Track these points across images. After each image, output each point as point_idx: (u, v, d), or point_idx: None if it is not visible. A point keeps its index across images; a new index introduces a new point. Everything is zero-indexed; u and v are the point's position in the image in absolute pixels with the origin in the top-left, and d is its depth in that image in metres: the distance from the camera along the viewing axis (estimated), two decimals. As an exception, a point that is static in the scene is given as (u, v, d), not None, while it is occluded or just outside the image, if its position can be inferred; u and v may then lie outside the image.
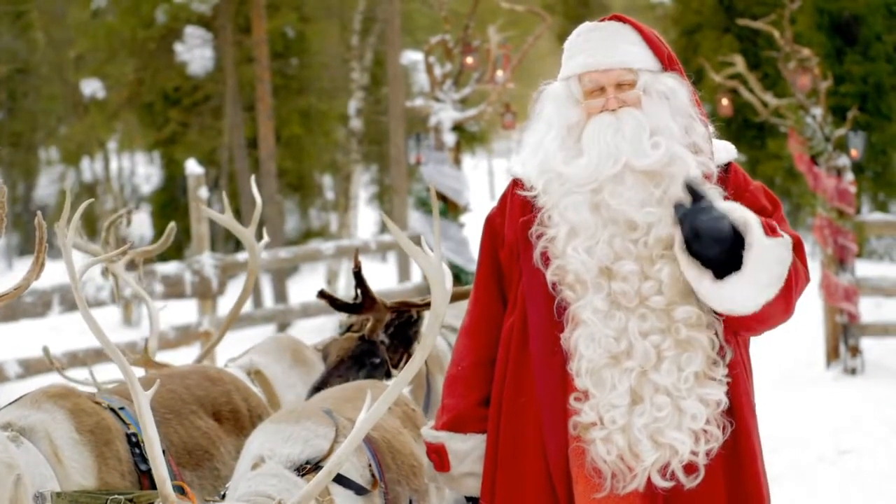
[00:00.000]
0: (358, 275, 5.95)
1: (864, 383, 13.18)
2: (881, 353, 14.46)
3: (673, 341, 4.02)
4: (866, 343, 14.13)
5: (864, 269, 16.88)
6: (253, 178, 6.60)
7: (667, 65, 4.21)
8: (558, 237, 4.12)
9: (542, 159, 4.20)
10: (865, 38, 22.44)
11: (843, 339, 13.84)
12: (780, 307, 3.99)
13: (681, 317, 4.02)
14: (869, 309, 16.07)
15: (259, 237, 6.60)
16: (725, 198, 4.11)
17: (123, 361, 4.08)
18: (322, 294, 6.05)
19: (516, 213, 4.27)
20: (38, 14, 28.76)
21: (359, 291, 6.02)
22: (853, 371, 13.70)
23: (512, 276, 4.29)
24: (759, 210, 4.12)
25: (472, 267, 13.53)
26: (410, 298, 6.45)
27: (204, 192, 12.39)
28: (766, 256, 3.93)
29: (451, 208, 13.86)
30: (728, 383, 4.06)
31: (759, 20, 16.44)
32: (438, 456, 4.41)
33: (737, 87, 15.60)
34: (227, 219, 6.42)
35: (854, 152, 14.01)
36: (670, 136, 4.08)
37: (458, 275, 13.44)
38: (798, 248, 4.11)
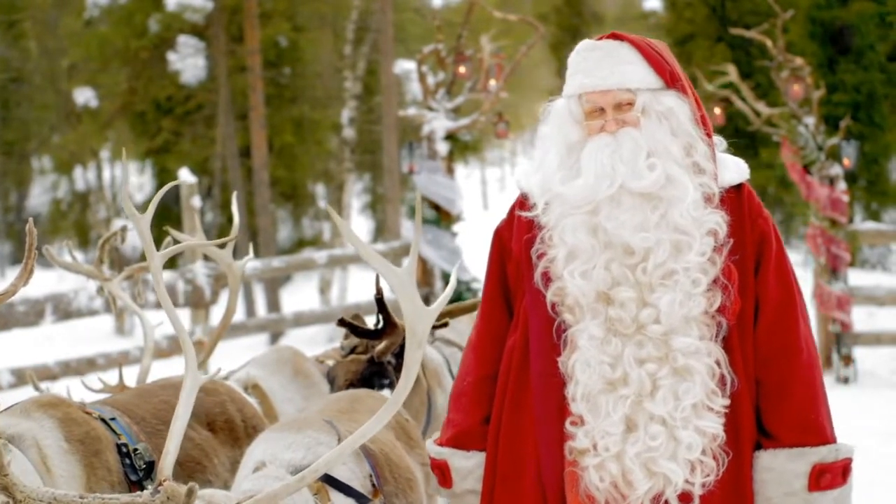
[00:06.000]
0: (380, 301, 5.90)
1: (857, 392, 13.19)
2: (874, 362, 14.48)
3: (670, 370, 3.97)
4: (859, 352, 14.15)
5: (857, 278, 16.90)
6: (234, 194, 6.53)
7: (669, 82, 4.13)
8: (557, 259, 4.08)
9: (543, 178, 4.15)
10: (858, 47, 22.48)
11: (836, 348, 13.85)
12: None
13: (679, 346, 3.97)
14: (861, 318, 16.10)
15: (246, 251, 6.55)
16: (734, 219, 4.07)
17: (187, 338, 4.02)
18: (342, 322, 5.99)
19: (522, 228, 4.22)
20: (31, 23, 28.77)
21: (380, 317, 5.96)
22: (846, 380, 13.71)
23: (518, 290, 4.25)
24: (766, 241, 4.10)
25: (465, 276, 13.54)
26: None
27: (197, 202, 12.39)
28: None
29: (443, 217, 13.86)
30: (728, 414, 4.00)
31: (752, 29, 16.46)
32: (441, 472, 4.39)
33: (729, 96, 15.60)
34: (198, 241, 6.36)
35: (846, 161, 14.03)
36: (668, 158, 4.02)
37: (452, 284, 13.42)
38: (802, 302, 4.14)
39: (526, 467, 4.15)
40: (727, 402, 4.00)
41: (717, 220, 4.02)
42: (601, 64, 4.11)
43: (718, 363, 4.00)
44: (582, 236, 4.03)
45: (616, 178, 4.00)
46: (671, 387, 3.96)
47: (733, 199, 4.12)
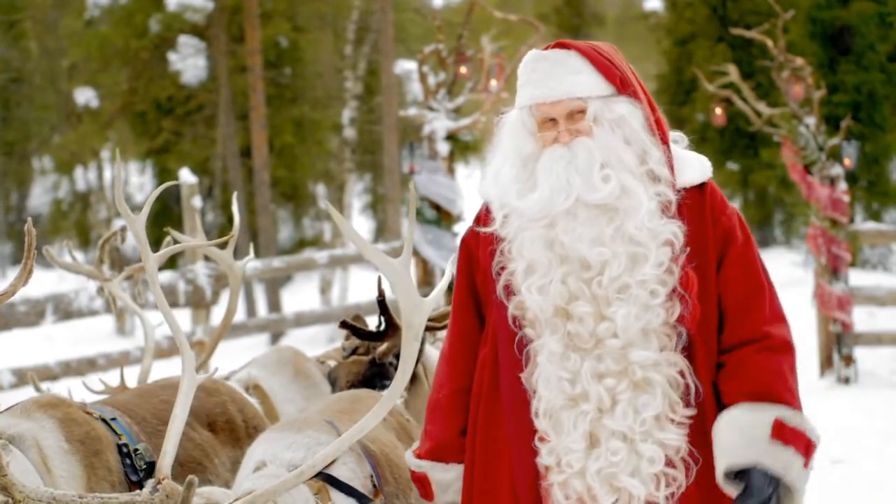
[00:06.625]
0: (382, 303, 5.89)
1: (858, 393, 13.18)
2: (874, 362, 14.48)
3: (629, 383, 3.94)
4: (860, 352, 14.14)
5: (858, 278, 16.90)
6: (235, 194, 6.52)
7: (619, 88, 4.07)
8: (517, 272, 4.06)
9: (499, 191, 4.12)
10: (858, 47, 22.49)
11: (837, 348, 13.84)
12: None
13: (636, 359, 3.93)
14: (862, 318, 16.09)
15: (247, 251, 6.56)
16: (695, 222, 4.00)
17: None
18: (344, 324, 5.98)
19: (487, 238, 4.18)
20: (31, 24, 28.80)
21: (382, 319, 5.95)
22: (846, 380, 13.70)
23: (487, 301, 4.23)
24: (729, 238, 4.04)
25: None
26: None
27: (197, 202, 12.38)
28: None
29: (444, 217, 13.84)
30: (695, 423, 3.95)
31: (753, 30, 16.46)
32: (422, 485, 4.38)
33: (730, 96, 15.59)
34: (197, 242, 6.34)
35: (847, 161, 14.02)
36: (622, 168, 3.97)
37: (452, 284, 13.42)
38: (771, 293, 4.05)
39: (502, 482, 4.13)
40: (692, 412, 3.96)
41: (674, 230, 3.97)
42: (550, 74, 4.07)
43: (682, 373, 3.96)
44: (539, 250, 4.00)
45: (572, 192, 3.95)
46: (630, 401, 3.93)
47: (695, 200, 4.06)
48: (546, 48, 4.16)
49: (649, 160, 4.01)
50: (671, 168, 4.05)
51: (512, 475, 4.10)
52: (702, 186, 4.10)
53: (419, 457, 4.38)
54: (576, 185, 3.95)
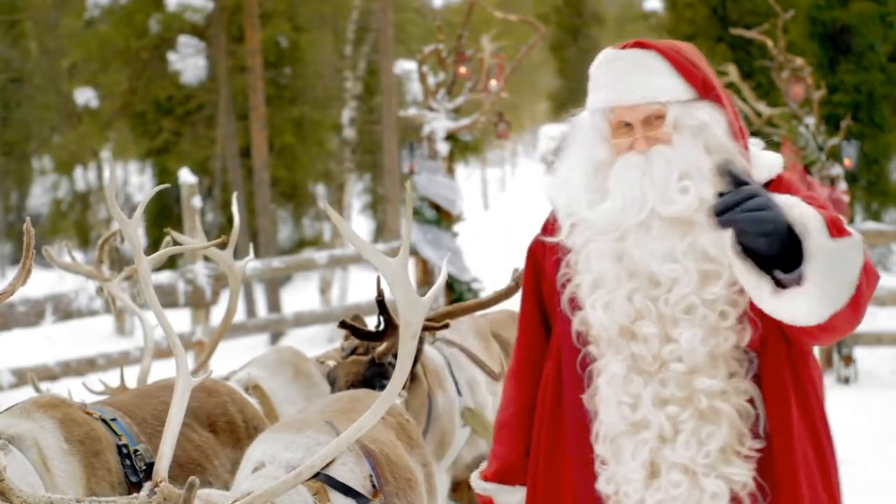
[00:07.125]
0: (381, 303, 5.89)
1: (858, 393, 13.19)
2: (874, 362, 14.48)
3: (693, 411, 3.69)
4: (859, 352, 14.14)
5: (858, 278, 16.89)
6: (235, 195, 6.51)
7: (701, 92, 3.81)
8: (582, 286, 3.81)
9: (568, 199, 3.85)
10: (858, 47, 22.48)
11: (837, 348, 13.85)
12: (850, 314, 3.52)
13: (702, 387, 3.67)
14: (862, 318, 16.07)
15: (246, 251, 6.56)
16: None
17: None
18: (343, 324, 5.98)
19: (554, 247, 3.94)
20: (31, 24, 28.76)
21: (381, 319, 5.95)
22: (846, 380, 13.71)
23: (553, 312, 3.99)
24: None
25: (466, 276, 13.53)
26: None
27: (197, 202, 12.38)
28: (833, 263, 3.45)
29: (444, 217, 13.84)
30: (764, 456, 3.69)
31: (753, 30, 16.47)
32: None
33: (730, 96, 15.59)
34: (198, 245, 6.35)
35: (847, 161, 14.04)
36: (701, 179, 3.68)
37: (452, 284, 13.43)
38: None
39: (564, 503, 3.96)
40: (762, 444, 3.71)
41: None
42: (626, 77, 3.79)
43: (752, 402, 3.71)
44: (607, 264, 3.75)
45: (646, 203, 3.70)
46: (694, 431, 3.69)
47: None
48: (623, 47, 3.87)
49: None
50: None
51: (574, 499, 3.91)
52: (768, 184, 3.82)
53: (485, 479, 4.23)
54: (650, 197, 3.69)
